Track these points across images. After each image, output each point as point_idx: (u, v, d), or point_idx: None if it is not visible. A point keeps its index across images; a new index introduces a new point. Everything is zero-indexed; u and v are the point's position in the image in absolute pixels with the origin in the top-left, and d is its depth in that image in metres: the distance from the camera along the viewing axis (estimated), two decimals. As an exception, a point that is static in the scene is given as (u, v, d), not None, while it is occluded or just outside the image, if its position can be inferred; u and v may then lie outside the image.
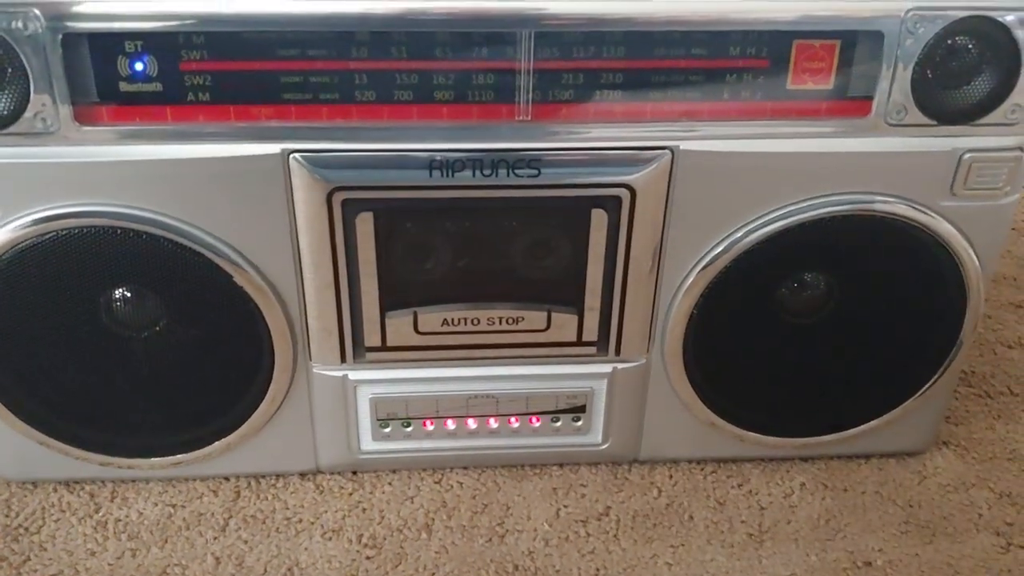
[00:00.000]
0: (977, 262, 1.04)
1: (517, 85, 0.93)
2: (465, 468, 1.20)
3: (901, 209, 1.00)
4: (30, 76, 0.89)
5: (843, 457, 1.23)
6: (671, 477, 1.20)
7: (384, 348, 1.07)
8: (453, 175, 0.96)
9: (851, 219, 1.00)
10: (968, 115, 0.96)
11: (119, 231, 0.96)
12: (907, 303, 1.07)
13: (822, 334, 1.09)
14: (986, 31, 0.92)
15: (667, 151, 0.96)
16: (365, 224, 0.98)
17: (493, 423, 1.15)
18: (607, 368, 1.11)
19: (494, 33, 0.91)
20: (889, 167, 0.99)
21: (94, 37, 0.89)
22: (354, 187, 0.96)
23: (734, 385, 1.13)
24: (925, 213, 1.01)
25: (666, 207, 1.00)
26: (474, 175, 0.96)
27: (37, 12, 0.86)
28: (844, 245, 1.03)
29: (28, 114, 0.91)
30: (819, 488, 1.19)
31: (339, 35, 0.90)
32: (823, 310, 1.08)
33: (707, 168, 0.98)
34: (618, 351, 1.10)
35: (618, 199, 0.98)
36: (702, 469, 1.21)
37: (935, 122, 0.97)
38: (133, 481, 1.17)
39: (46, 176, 0.94)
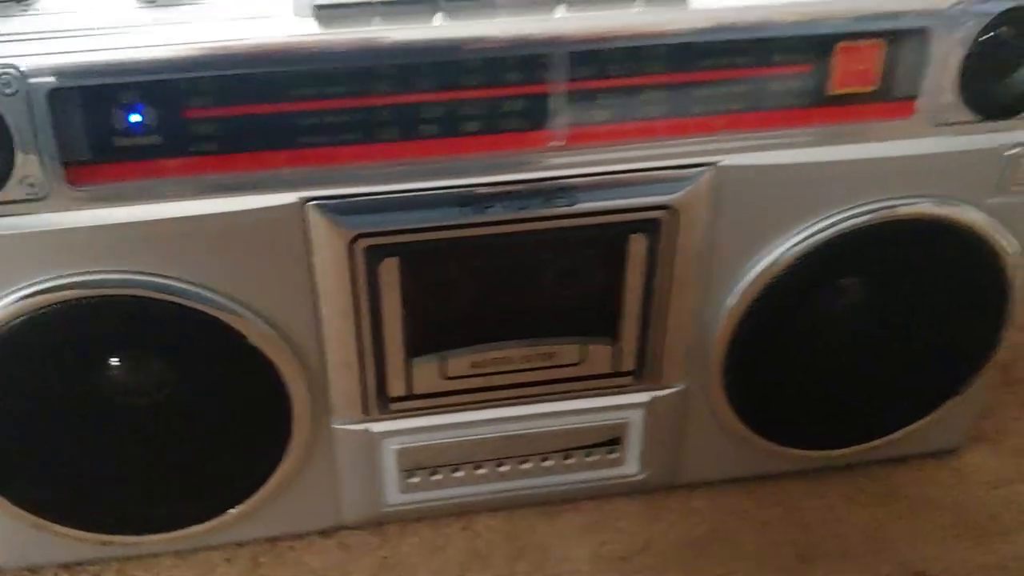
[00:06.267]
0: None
1: (550, 109, 0.86)
2: (493, 511, 1.13)
3: (949, 211, 0.96)
4: (14, 138, 0.79)
5: (879, 462, 1.18)
6: (711, 500, 1.14)
7: (410, 397, 1.00)
8: (484, 211, 0.89)
9: (897, 224, 0.95)
10: (1015, 109, 0.92)
11: (122, 299, 0.87)
12: (950, 304, 1.03)
13: (866, 342, 1.05)
14: (1032, 21, 0.88)
15: (708, 167, 0.91)
16: (390, 270, 0.91)
17: (525, 463, 1.08)
18: (645, 397, 1.05)
19: (526, 56, 0.84)
20: (935, 168, 0.94)
21: (84, 90, 0.80)
22: (378, 232, 0.89)
23: (774, 402, 1.07)
24: (973, 212, 0.96)
25: (708, 226, 0.94)
26: (506, 209, 0.89)
27: (19, 68, 0.77)
28: (889, 251, 0.98)
29: (14, 180, 0.81)
30: (861, 497, 1.15)
31: (358, 70, 0.83)
32: (866, 317, 1.03)
33: (749, 182, 0.92)
34: (656, 378, 1.04)
35: (658, 221, 0.92)
36: (741, 489, 1.15)
37: (981, 118, 0.92)
38: (140, 557, 1.07)
39: (40, 246, 0.85)
